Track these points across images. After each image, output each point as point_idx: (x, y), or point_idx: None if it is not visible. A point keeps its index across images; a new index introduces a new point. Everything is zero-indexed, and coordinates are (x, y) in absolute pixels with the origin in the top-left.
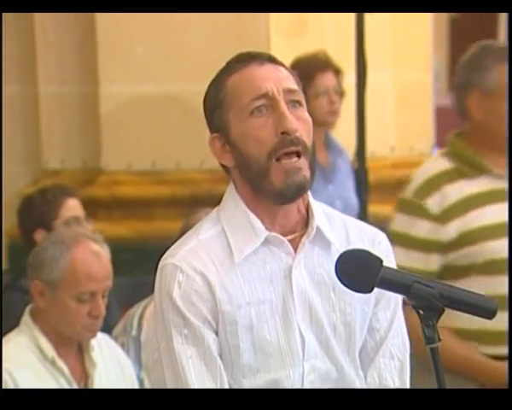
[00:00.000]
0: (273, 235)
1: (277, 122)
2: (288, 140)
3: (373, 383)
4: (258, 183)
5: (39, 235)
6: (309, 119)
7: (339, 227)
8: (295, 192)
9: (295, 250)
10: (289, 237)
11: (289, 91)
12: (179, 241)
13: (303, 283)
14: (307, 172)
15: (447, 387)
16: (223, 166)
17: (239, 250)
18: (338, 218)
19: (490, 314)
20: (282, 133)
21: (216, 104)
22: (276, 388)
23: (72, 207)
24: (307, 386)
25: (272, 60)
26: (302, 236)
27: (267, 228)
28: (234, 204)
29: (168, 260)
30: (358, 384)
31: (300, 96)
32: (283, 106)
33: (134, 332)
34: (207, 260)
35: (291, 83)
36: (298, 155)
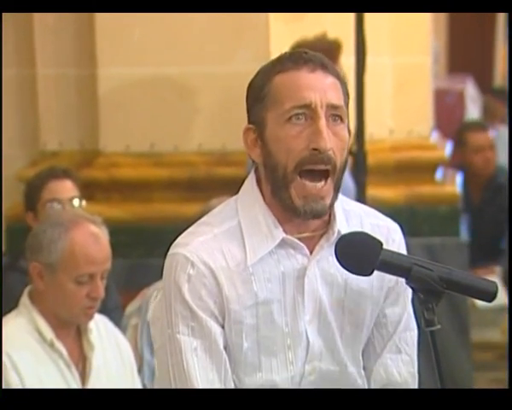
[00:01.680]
0: (289, 238)
1: (312, 136)
2: (319, 157)
3: (379, 378)
4: (279, 190)
5: (29, 218)
6: (346, 136)
7: (355, 224)
8: (311, 217)
9: (312, 250)
10: (307, 235)
11: (333, 107)
12: (193, 227)
13: (315, 283)
14: (329, 199)
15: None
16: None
17: (253, 252)
18: (355, 214)
19: (490, 297)
20: (314, 149)
21: (258, 97)
22: (275, 386)
23: (55, 189)
24: (305, 386)
25: (325, 66)
26: (321, 235)
27: (284, 229)
28: (253, 200)
29: (180, 249)
30: (360, 382)
31: (343, 112)
32: (322, 122)
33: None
34: (219, 256)
35: (337, 97)
36: (325, 175)
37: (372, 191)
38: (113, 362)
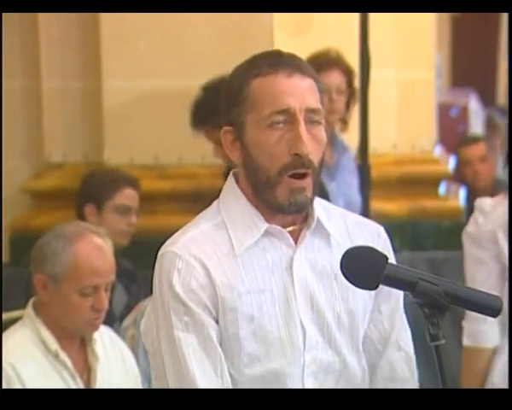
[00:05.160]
0: (273, 227)
1: (292, 142)
2: (300, 162)
3: (382, 374)
4: (262, 191)
5: (89, 209)
6: (324, 138)
7: (337, 220)
8: (295, 211)
9: (296, 242)
10: (289, 229)
11: (311, 111)
12: (179, 231)
13: (304, 273)
14: (310, 192)
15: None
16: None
17: (239, 242)
18: (336, 212)
19: (495, 312)
20: (295, 154)
21: (237, 100)
22: (277, 378)
23: (128, 196)
24: (308, 377)
25: (301, 69)
26: (302, 228)
27: (267, 220)
28: (234, 197)
29: (168, 248)
30: (360, 375)
31: (321, 114)
32: (302, 127)
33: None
34: (208, 248)
35: (315, 100)
36: (306, 175)
37: (375, 205)
38: (117, 373)
